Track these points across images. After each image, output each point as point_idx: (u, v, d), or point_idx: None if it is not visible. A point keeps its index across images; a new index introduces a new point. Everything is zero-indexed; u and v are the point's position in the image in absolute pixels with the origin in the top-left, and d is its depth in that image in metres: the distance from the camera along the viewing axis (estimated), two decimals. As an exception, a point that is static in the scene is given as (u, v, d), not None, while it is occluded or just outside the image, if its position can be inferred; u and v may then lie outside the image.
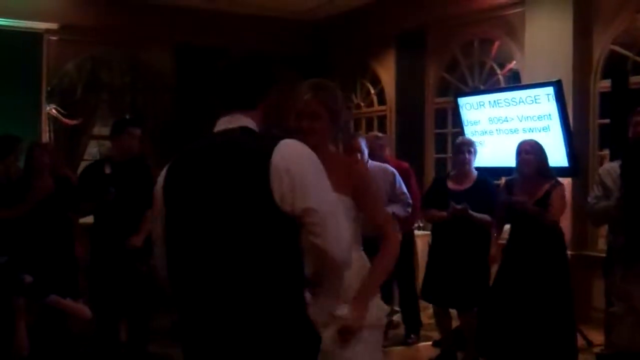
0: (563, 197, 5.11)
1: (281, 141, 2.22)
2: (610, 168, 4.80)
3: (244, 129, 2.32)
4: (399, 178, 5.86)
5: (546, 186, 5.07)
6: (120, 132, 5.38)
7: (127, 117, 8.85)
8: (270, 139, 2.25)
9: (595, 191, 4.80)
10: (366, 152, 5.88)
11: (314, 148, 2.34)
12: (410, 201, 5.88)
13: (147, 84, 9.67)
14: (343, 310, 2.71)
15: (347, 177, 2.79)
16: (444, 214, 5.54)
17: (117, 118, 8.09)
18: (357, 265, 2.75)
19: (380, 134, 7.04)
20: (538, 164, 5.11)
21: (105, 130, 9.04)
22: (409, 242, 6.45)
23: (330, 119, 2.84)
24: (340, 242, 2.23)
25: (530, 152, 5.12)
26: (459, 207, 5.38)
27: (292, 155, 2.21)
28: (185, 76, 9.84)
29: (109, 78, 9.42)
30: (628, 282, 3.75)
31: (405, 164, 6.65)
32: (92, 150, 9.65)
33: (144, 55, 9.70)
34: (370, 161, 5.85)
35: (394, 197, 5.75)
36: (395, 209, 5.65)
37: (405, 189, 5.87)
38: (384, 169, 5.83)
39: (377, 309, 2.88)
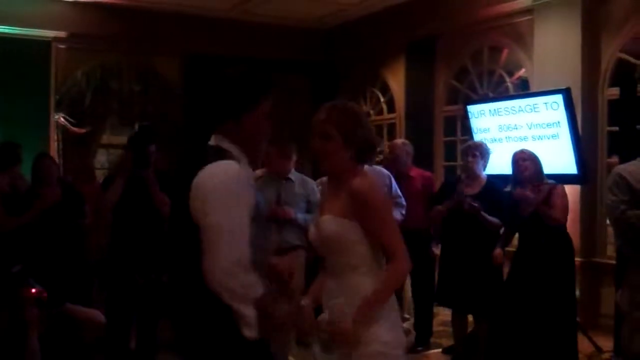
0: (564, 196, 5.18)
1: (216, 162, 2.50)
2: (633, 170, 3.90)
3: (212, 148, 2.63)
4: (394, 182, 5.92)
5: (545, 189, 5.13)
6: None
7: (140, 127, 8.86)
8: (216, 158, 2.53)
9: (620, 195, 3.85)
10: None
11: (329, 169, 2.88)
12: (405, 203, 5.93)
13: (157, 93, 9.71)
14: (324, 317, 2.88)
15: (351, 201, 2.78)
16: (442, 207, 5.66)
17: (126, 126, 8.11)
18: (363, 289, 2.78)
19: (406, 141, 7.00)
20: (535, 169, 5.20)
21: (115, 139, 9.10)
22: (427, 248, 6.40)
23: (343, 139, 2.84)
24: (219, 262, 2.39)
25: (527, 159, 5.23)
26: (475, 204, 5.41)
27: (210, 175, 2.48)
28: (194, 85, 9.88)
29: (118, 86, 9.47)
30: None
31: (429, 173, 6.74)
32: (101, 159, 9.69)
33: (153, 63, 9.76)
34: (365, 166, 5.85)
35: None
36: None
37: (399, 192, 5.96)
38: (378, 172, 5.87)
39: (391, 336, 2.78)
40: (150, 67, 9.75)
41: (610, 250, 6.79)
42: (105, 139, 9.50)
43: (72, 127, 9.08)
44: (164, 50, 9.75)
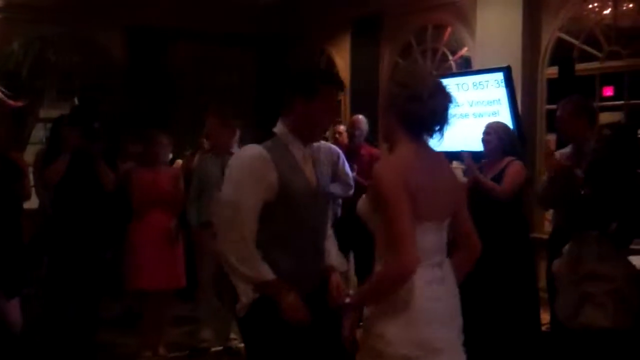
0: (518, 172, 5.13)
1: (248, 145, 2.96)
2: (563, 151, 4.92)
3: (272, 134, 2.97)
4: (343, 158, 5.94)
5: (504, 163, 5.14)
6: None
7: (83, 100, 8.68)
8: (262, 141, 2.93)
9: (544, 177, 4.92)
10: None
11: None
12: (352, 183, 5.96)
13: (98, 67, 9.52)
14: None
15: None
16: None
17: (65, 100, 7.95)
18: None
19: (360, 116, 7.01)
20: (499, 143, 5.17)
21: (54, 113, 8.92)
22: None
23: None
24: (222, 233, 2.83)
25: (491, 133, 5.19)
26: None
27: (235, 156, 2.96)
28: (137, 58, 9.72)
29: (57, 59, 9.25)
30: (613, 265, 3.86)
31: (377, 151, 6.74)
32: (39, 134, 9.45)
33: (94, 35, 9.55)
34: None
35: (336, 176, 5.80)
36: (335, 188, 5.68)
37: (349, 171, 5.98)
38: (328, 148, 5.87)
39: (397, 335, 2.52)
40: (91, 40, 9.55)
41: (548, 226, 6.93)
42: (43, 112, 9.28)
43: (8, 100, 8.84)
44: (106, 22, 9.50)
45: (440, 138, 2.58)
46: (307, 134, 2.97)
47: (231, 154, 5.61)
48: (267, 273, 2.82)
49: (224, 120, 5.62)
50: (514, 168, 5.10)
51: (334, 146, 6.07)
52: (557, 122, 4.97)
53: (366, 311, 2.63)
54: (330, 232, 3.16)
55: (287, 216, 2.86)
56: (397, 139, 2.58)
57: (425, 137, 2.59)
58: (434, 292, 2.54)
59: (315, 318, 2.89)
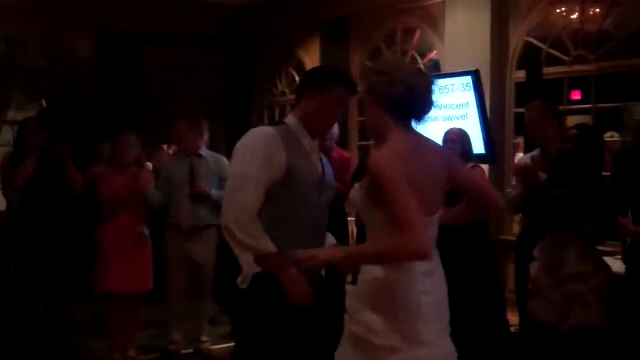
0: (485, 176, 5.21)
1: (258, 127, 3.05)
2: (523, 160, 5.04)
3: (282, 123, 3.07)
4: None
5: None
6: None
7: (50, 103, 8.58)
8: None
9: (512, 182, 5.02)
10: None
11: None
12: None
13: (66, 68, 9.44)
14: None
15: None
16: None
17: (33, 102, 7.87)
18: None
19: None
20: (463, 151, 5.21)
21: (22, 115, 8.81)
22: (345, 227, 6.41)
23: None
24: (227, 208, 2.86)
25: (456, 141, 5.21)
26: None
27: (245, 136, 2.98)
28: (106, 61, 9.65)
29: (24, 61, 9.15)
30: (593, 263, 3.93)
31: (348, 154, 6.74)
32: (7, 136, 9.33)
33: (62, 38, 9.46)
34: None
35: None
36: None
37: None
38: None
39: (384, 328, 2.53)
40: (60, 42, 9.46)
41: (517, 228, 7.00)
42: (11, 115, 9.17)
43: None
44: (76, 24, 9.42)
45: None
46: (314, 127, 3.04)
47: (199, 155, 5.63)
48: (268, 245, 2.84)
49: (191, 122, 5.65)
50: (482, 173, 5.17)
51: None
52: (525, 125, 5.03)
53: (353, 301, 2.64)
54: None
55: (292, 201, 2.90)
56: (386, 130, 2.59)
57: (413, 124, 2.63)
58: (425, 286, 2.55)
59: (317, 309, 2.88)
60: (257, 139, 2.94)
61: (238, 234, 2.83)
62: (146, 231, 5.47)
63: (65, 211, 5.19)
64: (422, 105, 2.59)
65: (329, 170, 3.15)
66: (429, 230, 2.52)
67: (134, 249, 5.40)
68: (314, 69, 3.29)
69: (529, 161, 4.81)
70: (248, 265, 2.85)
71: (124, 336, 5.56)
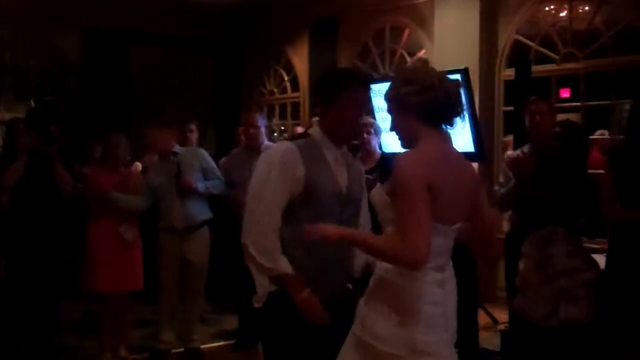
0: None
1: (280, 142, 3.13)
2: (511, 156, 4.99)
3: (303, 134, 3.13)
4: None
5: None
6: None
7: (40, 103, 8.56)
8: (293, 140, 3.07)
9: (500, 179, 5.01)
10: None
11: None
12: None
13: (55, 68, 9.40)
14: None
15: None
16: None
17: (22, 102, 7.84)
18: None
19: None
20: None
21: (10, 116, 8.77)
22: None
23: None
24: (245, 224, 2.86)
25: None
26: (370, 177, 5.46)
27: (264, 153, 3.04)
28: (95, 60, 9.62)
29: (13, 61, 9.11)
30: (582, 258, 3.94)
31: None
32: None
33: (51, 37, 9.42)
34: (266, 142, 5.83)
35: None
36: None
37: None
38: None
39: (389, 333, 2.51)
40: (48, 41, 9.42)
41: (506, 226, 7.02)
42: (0, 115, 9.13)
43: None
44: (64, 23, 9.39)
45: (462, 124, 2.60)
46: (338, 135, 2.97)
47: (174, 153, 5.61)
48: (284, 266, 2.83)
49: (158, 125, 5.69)
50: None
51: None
52: (533, 123, 4.87)
53: (361, 303, 2.63)
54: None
55: (312, 217, 2.80)
56: (419, 136, 2.54)
57: (446, 129, 2.57)
58: (433, 296, 2.52)
59: (335, 329, 2.84)
60: (273, 156, 2.91)
61: (256, 256, 2.83)
62: (134, 232, 5.46)
63: (55, 211, 5.17)
64: (455, 108, 2.55)
65: (356, 186, 3.06)
66: (438, 239, 2.47)
67: (122, 249, 5.39)
68: (320, 78, 3.15)
69: (520, 155, 4.82)
70: (261, 286, 2.87)
71: (114, 335, 5.55)
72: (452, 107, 2.54)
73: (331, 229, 2.56)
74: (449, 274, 2.63)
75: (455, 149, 2.63)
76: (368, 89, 3.02)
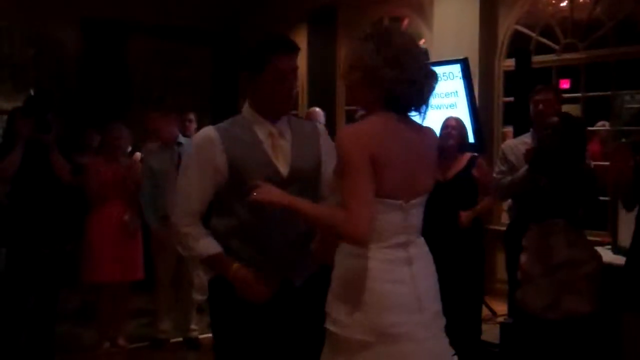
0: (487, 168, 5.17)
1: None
2: (512, 144, 5.02)
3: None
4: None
5: (465, 159, 5.11)
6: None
7: (36, 92, 8.53)
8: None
9: (500, 166, 4.97)
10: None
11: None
12: None
13: (52, 59, 9.37)
14: None
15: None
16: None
17: (20, 93, 7.81)
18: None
19: (317, 109, 6.98)
20: (460, 139, 5.18)
21: (9, 106, 8.74)
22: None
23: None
24: (173, 214, 2.84)
25: (455, 128, 5.16)
26: None
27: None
28: (93, 51, 9.59)
29: (10, 52, 9.08)
30: (583, 250, 3.93)
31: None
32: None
33: (48, 28, 9.37)
34: None
35: None
36: None
37: None
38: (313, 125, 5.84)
39: (346, 317, 2.36)
40: (47, 32, 9.38)
41: (505, 217, 7.01)
42: (-1, 106, 9.11)
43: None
44: (61, 14, 9.34)
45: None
46: (269, 109, 2.79)
47: (179, 143, 5.61)
48: (204, 249, 2.75)
49: (164, 112, 5.68)
50: (485, 165, 5.12)
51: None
52: (540, 111, 4.86)
53: (328, 296, 2.47)
54: None
55: (244, 202, 2.57)
56: (373, 112, 2.40)
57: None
58: (394, 274, 2.35)
59: (299, 314, 2.78)
60: (193, 146, 2.86)
61: (182, 245, 2.83)
62: (137, 221, 5.47)
63: (55, 200, 5.17)
64: (422, 104, 2.42)
65: (300, 159, 2.82)
66: (392, 215, 2.35)
67: (123, 238, 5.41)
68: (247, 48, 2.86)
69: (520, 145, 4.80)
70: (196, 276, 2.88)
71: (113, 325, 5.57)
72: (419, 102, 2.41)
73: (276, 195, 2.43)
74: (419, 250, 2.45)
75: (413, 121, 2.45)
76: (295, 54, 2.78)
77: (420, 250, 2.47)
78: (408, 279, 2.37)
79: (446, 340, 2.47)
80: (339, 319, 2.36)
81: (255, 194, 2.43)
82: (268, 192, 2.44)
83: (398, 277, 2.36)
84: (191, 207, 2.78)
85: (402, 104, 2.38)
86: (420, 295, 2.38)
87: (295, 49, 2.78)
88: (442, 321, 2.48)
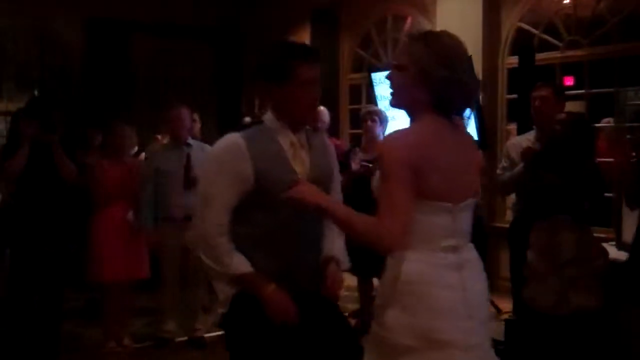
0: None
1: (227, 134, 2.77)
2: (516, 142, 5.06)
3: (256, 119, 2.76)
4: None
5: None
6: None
7: (40, 92, 8.56)
8: (244, 129, 2.82)
9: (503, 163, 5.02)
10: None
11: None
12: None
13: (56, 57, 9.38)
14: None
15: None
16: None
17: (24, 92, 7.83)
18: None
19: (321, 107, 6.98)
20: None
21: (13, 106, 8.75)
22: None
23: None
24: (195, 226, 2.78)
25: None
26: (370, 165, 5.41)
27: (212, 147, 2.87)
28: (96, 50, 9.59)
29: (15, 51, 9.09)
30: (590, 246, 3.94)
31: (339, 142, 6.70)
32: (-1, 127, 9.28)
33: (52, 27, 9.39)
34: None
35: None
36: None
37: None
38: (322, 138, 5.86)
39: (398, 322, 2.31)
40: (50, 31, 9.39)
41: (509, 215, 7.01)
42: (2, 105, 9.10)
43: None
44: (65, 13, 9.35)
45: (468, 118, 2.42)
46: (293, 119, 2.74)
47: (188, 144, 5.60)
48: (238, 266, 2.68)
49: (184, 111, 5.66)
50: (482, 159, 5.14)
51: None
52: (537, 108, 4.89)
53: (377, 299, 2.44)
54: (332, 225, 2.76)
55: (268, 213, 2.65)
56: (419, 113, 2.36)
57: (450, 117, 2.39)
58: (443, 279, 2.31)
59: (311, 319, 2.72)
60: (216, 156, 2.78)
61: (206, 261, 2.72)
62: (140, 220, 5.47)
63: (59, 200, 5.18)
64: (470, 106, 2.41)
65: (319, 169, 2.83)
66: (439, 217, 2.31)
67: (128, 238, 5.42)
68: (268, 57, 2.80)
69: (524, 143, 4.81)
70: (221, 291, 2.72)
71: (118, 324, 5.58)
72: (465, 105, 2.39)
73: (310, 195, 2.36)
74: (467, 255, 2.41)
75: (455, 125, 2.40)
76: (318, 62, 2.74)
77: (471, 255, 2.44)
78: (457, 285, 2.33)
79: (492, 351, 2.44)
80: (386, 322, 2.32)
81: (291, 191, 2.37)
82: (305, 191, 2.38)
83: (448, 282, 2.32)
84: (220, 217, 2.70)
85: (450, 107, 2.35)
86: (469, 302, 2.34)
87: (318, 58, 2.75)
88: (490, 329, 2.46)
